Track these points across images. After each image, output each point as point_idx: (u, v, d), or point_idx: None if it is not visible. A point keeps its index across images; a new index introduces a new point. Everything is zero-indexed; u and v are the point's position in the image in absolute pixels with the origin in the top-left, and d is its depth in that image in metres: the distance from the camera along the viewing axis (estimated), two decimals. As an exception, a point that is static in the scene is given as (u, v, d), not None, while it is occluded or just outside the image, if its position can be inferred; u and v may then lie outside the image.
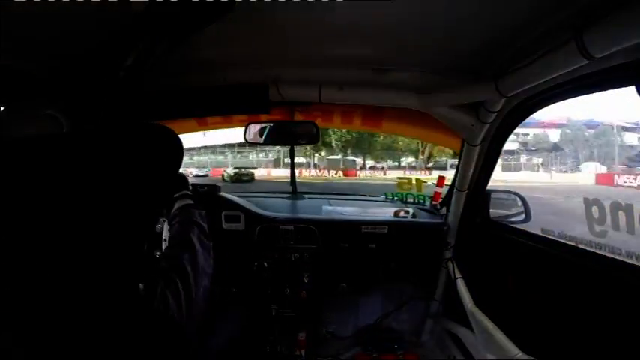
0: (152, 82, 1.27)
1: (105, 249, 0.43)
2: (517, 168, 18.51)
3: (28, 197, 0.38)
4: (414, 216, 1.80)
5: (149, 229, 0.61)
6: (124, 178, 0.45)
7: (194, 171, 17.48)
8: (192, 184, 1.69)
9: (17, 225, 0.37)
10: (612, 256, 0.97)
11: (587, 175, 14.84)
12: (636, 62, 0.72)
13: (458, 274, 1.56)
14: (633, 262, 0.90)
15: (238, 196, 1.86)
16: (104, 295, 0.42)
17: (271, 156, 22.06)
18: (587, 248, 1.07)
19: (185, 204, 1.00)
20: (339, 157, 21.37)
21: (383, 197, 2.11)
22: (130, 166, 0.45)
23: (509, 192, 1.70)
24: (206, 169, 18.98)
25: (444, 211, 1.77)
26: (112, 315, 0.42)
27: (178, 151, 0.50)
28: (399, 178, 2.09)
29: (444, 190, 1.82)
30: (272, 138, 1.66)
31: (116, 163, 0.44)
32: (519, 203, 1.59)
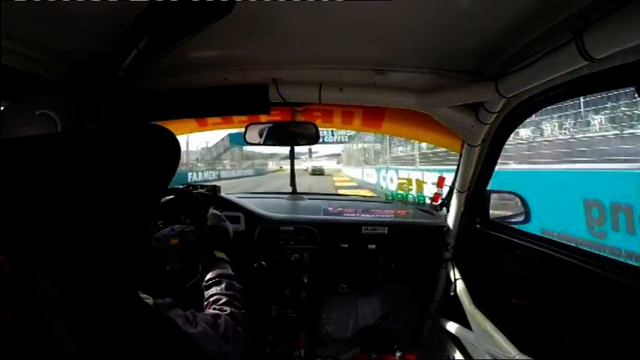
0: (152, 82, 1.27)
1: (98, 247, 0.43)
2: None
3: (23, 196, 0.38)
4: (413, 217, 1.80)
5: (142, 229, 0.60)
6: (118, 177, 0.45)
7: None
8: (192, 185, 1.70)
9: (12, 225, 0.37)
10: (612, 257, 0.97)
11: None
12: (636, 63, 0.72)
13: (457, 275, 1.56)
14: (633, 263, 0.90)
15: (239, 197, 1.86)
16: (96, 293, 0.42)
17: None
18: (588, 249, 1.07)
19: (225, 273, 0.93)
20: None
21: (383, 198, 2.11)
22: (124, 165, 0.45)
23: (509, 192, 1.70)
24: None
25: (443, 211, 1.77)
26: (105, 312, 0.42)
27: (174, 151, 0.50)
28: (400, 179, 2.09)
29: (443, 191, 1.82)
30: (272, 139, 1.66)
31: (111, 162, 0.44)
32: (519, 204, 1.59)
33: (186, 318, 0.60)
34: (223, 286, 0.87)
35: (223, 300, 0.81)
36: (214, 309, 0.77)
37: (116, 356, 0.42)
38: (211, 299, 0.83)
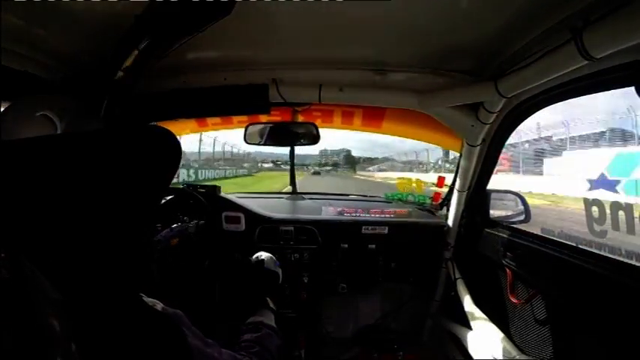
0: (152, 82, 1.27)
1: (100, 248, 0.43)
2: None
3: (25, 197, 0.38)
4: (414, 216, 1.80)
5: (144, 229, 0.59)
6: (119, 178, 0.45)
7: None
8: (192, 185, 1.70)
9: (14, 225, 0.37)
10: (612, 256, 0.97)
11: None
12: (636, 63, 0.72)
13: (458, 275, 1.56)
14: (633, 262, 0.90)
15: (239, 197, 1.86)
16: (97, 294, 0.42)
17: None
18: (587, 248, 1.07)
19: (264, 323, 0.87)
20: None
21: (383, 197, 2.11)
22: (126, 165, 0.45)
23: (509, 192, 1.70)
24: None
25: (444, 211, 1.77)
26: (105, 313, 0.42)
27: (175, 151, 0.50)
28: (399, 179, 2.10)
29: (443, 191, 1.82)
30: (272, 139, 1.66)
31: (112, 163, 0.44)
32: (519, 203, 1.59)
33: (196, 333, 0.56)
34: (260, 334, 0.82)
35: (255, 349, 0.77)
36: (242, 355, 0.73)
37: (115, 358, 0.42)
38: (243, 344, 0.79)
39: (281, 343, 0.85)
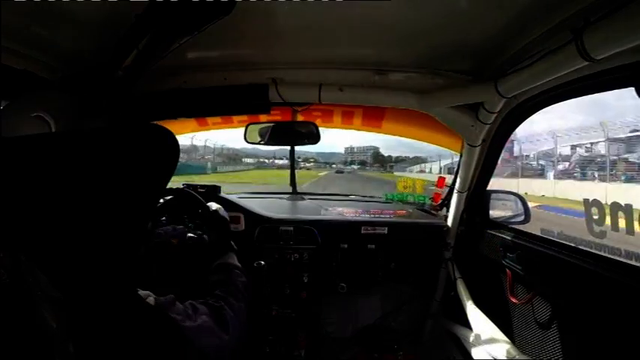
0: (152, 82, 1.27)
1: (98, 246, 0.43)
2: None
3: (23, 195, 0.38)
4: (413, 217, 1.80)
5: (141, 228, 0.60)
6: (118, 177, 0.45)
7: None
8: (192, 185, 1.70)
9: (13, 223, 0.37)
10: (612, 256, 0.97)
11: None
12: (636, 64, 0.72)
13: (457, 275, 1.56)
14: (633, 262, 0.90)
15: (239, 197, 1.86)
16: (95, 293, 0.43)
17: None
18: (587, 249, 1.07)
19: (230, 264, 0.98)
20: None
21: (383, 198, 2.11)
22: (124, 164, 0.45)
23: (509, 192, 1.70)
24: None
25: (443, 211, 1.77)
26: (103, 311, 0.43)
27: (173, 151, 0.50)
28: (400, 179, 2.09)
29: (443, 191, 1.82)
30: (272, 138, 1.66)
31: (111, 161, 0.44)
32: (519, 204, 1.59)
33: (185, 313, 0.63)
34: (228, 275, 0.91)
35: (225, 289, 0.85)
36: (216, 295, 0.81)
37: (114, 356, 0.43)
38: (215, 284, 0.87)
39: (246, 281, 0.94)
